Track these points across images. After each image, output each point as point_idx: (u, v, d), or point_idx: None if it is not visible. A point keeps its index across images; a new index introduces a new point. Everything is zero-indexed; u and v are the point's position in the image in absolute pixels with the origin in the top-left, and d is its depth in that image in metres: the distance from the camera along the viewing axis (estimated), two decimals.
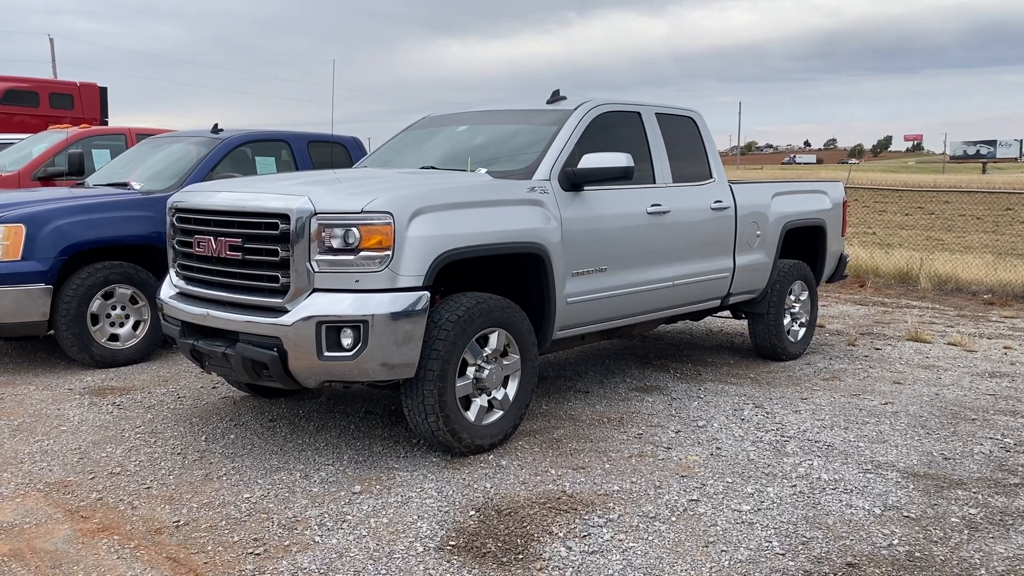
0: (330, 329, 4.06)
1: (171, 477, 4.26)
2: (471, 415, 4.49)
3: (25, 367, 6.53)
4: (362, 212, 4.08)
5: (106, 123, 17.37)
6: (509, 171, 4.99)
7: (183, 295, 4.75)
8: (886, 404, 5.71)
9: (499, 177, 4.89)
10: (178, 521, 3.74)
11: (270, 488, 4.11)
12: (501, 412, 4.63)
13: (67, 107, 17.13)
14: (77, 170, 8.32)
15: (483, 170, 5.02)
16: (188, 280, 4.72)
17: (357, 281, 4.09)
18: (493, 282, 4.88)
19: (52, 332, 6.35)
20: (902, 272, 11.95)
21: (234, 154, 7.63)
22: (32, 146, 9.94)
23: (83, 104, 17.49)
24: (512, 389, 4.69)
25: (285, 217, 4.15)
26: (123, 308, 6.53)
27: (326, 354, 4.07)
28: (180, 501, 3.96)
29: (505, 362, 4.65)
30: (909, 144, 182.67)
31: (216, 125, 8.04)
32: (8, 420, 5.18)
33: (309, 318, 4.05)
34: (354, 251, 4.08)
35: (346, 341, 4.07)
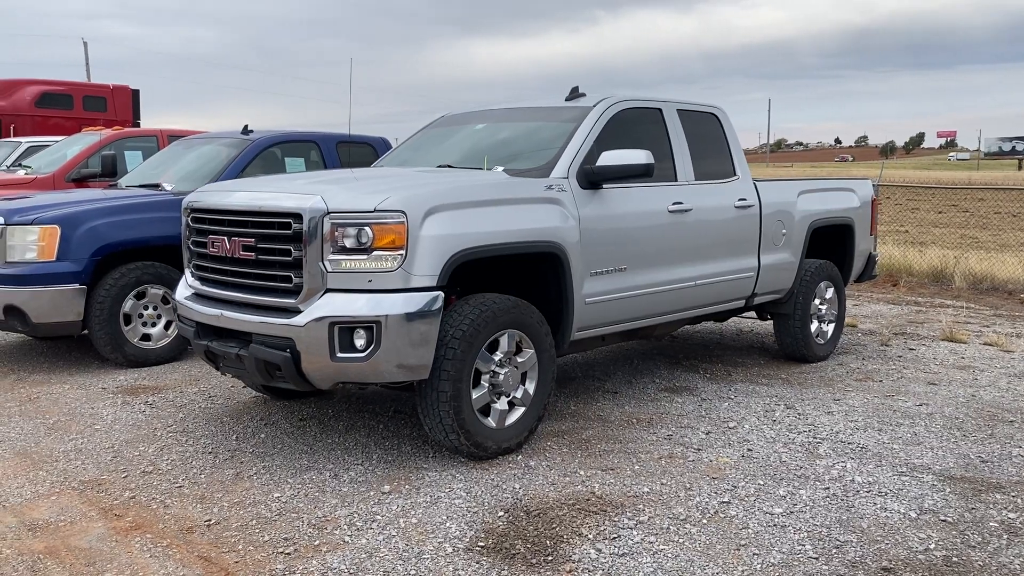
0: (343, 330, 4.02)
1: (202, 476, 4.30)
2: (488, 419, 4.43)
3: (60, 366, 6.62)
4: (375, 211, 4.04)
5: (138, 125, 17.60)
6: (526, 169, 4.91)
7: (198, 296, 4.72)
8: (921, 405, 5.62)
9: (516, 175, 4.81)
10: (209, 520, 3.77)
11: (300, 488, 4.13)
12: (515, 417, 4.54)
13: (100, 110, 17.37)
14: (110, 172, 8.44)
15: (500, 168, 4.95)
16: (203, 281, 4.69)
17: (370, 281, 4.05)
18: (511, 282, 4.81)
19: (86, 332, 6.44)
20: (936, 271, 11.77)
21: (264, 155, 7.68)
22: (66, 148, 10.09)
23: (116, 106, 17.73)
24: (529, 391, 4.60)
25: (298, 216, 4.11)
26: (155, 308, 6.60)
27: (339, 355, 4.03)
28: (211, 500, 3.99)
29: (519, 359, 4.55)
30: (942, 141, 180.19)
31: (246, 126, 8.11)
32: (44, 419, 5.26)
33: (322, 319, 4.01)
34: (367, 251, 4.04)
35: (359, 342, 4.03)
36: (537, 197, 4.68)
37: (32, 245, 6.21)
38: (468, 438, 4.29)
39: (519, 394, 4.57)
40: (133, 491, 4.11)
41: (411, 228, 4.06)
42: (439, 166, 5.33)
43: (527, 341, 4.56)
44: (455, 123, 6.13)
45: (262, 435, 4.91)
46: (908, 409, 5.53)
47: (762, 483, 4.20)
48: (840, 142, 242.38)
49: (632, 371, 6.51)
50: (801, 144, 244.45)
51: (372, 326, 4.00)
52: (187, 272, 4.88)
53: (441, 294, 4.12)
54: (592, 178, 4.93)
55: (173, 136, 9.77)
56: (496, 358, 4.44)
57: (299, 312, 4.09)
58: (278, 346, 4.15)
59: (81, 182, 9.01)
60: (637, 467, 4.41)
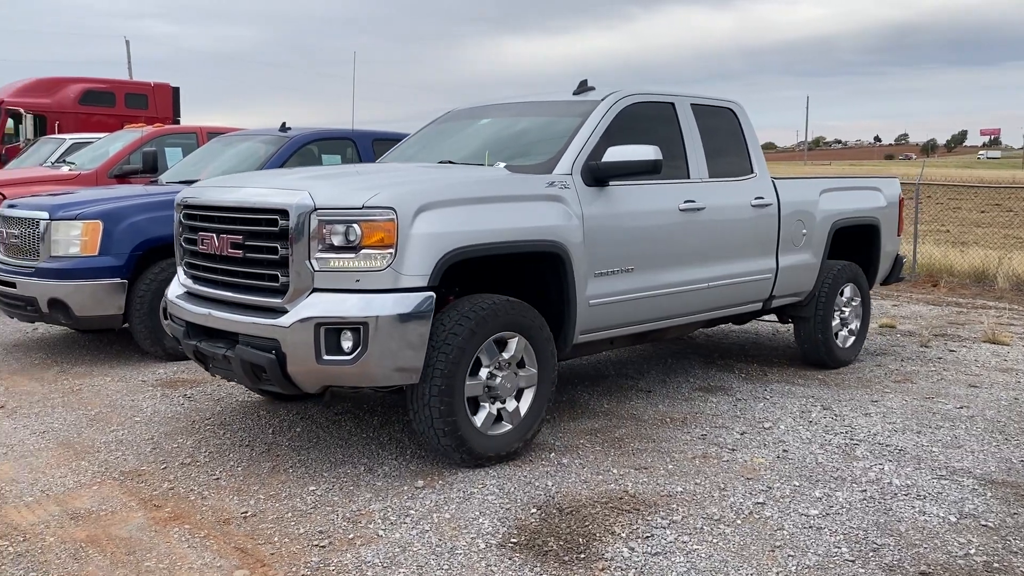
0: (329, 331, 3.88)
1: (239, 468, 4.36)
2: (475, 417, 4.25)
3: (101, 359, 6.75)
4: (363, 207, 3.89)
5: (178, 122, 17.86)
6: (528, 165, 4.76)
7: (190, 294, 4.60)
8: (961, 408, 5.52)
9: (517, 171, 4.65)
10: (246, 512, 3.82)
11: (335, 481, 4.17)
12: (511, 426, 4.36)
13: (142, 107, 17.66)
14: (151, 168, 8.56)
15: (501, 164, 4.81)
16: (194, 279, 4.56)
17: (358, 281, 3.90)
18: (512, 283, 4.65)
19: (127, 325, 6.55)
20: (978, 271, 11.56)
21: (301, 152, 7.76)
22: (109, 145, 10.26)
23: (157, 104, 18.01)
24: (520, 411, 4.40)
25: (284, 213, 3.96)
26: None
27: (325, 357, 3.89)
28: (248, 492, 4.05)
29: (521, 372, 4.39)
30: (985, 139, 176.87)
31: (284, 123, 8.20)
32: (86, 410, 5.36)
33: (307, 319, 3.87)
34: (355, 249, 3.89)
35: (346, 344, 3.88)
36: (538, 194, 4.51)
37: (75, 240, 6.34)
38: (460, 444, 4.15)
39: (510, 408, 4.37)
40: (172, 482, 4.18)
41: (401, 225, 3.90)
42: (441, 162, 5.18)
43: (530, 351, 4.38)
44: (462, 118, 5.96)
45: (298, 429, 4.97)
46: (948, 411, 5.44)
47: (798, 484, 4.16)
48: (880, 140, 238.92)
49: (666, 370, 6.48)
50: (840, 142, 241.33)
51: (359, 328, 3.84)
52: (179, 270, 4.76)
53: (432, 295, 3.97)
54: (597, 175, 4.74)
55: (212, 133, 9.90)
56: (495, 361, 4.26)
57: (285, 312, 3.96)
58: (263, 347, 4.02)
59: (123, 178, 9.16)
60: (671, 466, 4.39)
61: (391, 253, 3.90)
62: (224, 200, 4.35)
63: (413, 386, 4.11)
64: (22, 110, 15.54)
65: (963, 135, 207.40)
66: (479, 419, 4.27)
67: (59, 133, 14.24)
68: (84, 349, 7.11)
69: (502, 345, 4.32)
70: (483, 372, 4.25)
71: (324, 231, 3.91)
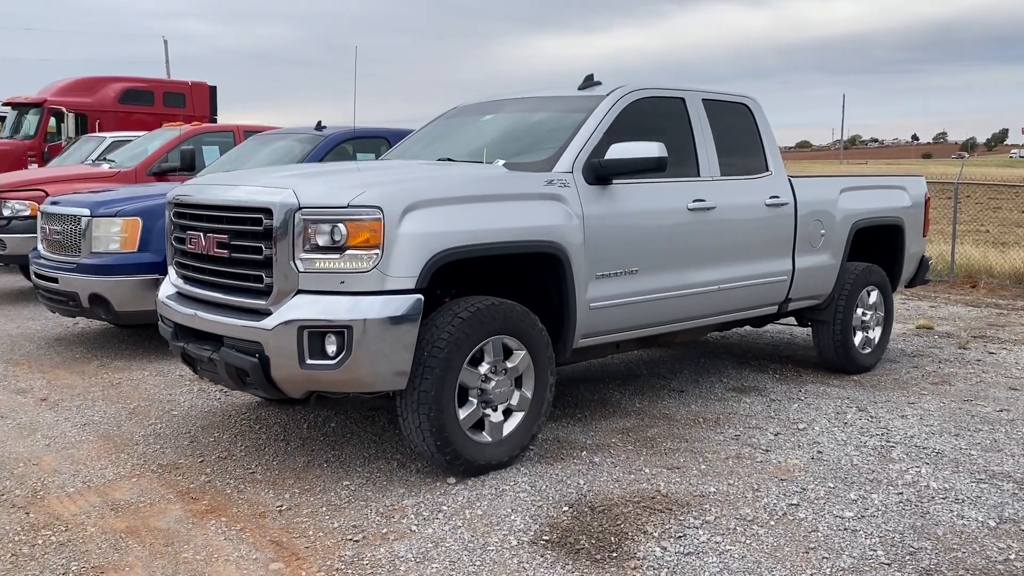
0: (313, 335, 3.76)
1: (275, 463, 4.41)
2: (483, 433, 4.17)
3: (140, 354, 6.87)
4: (348, 206, 3.77)
5: (215, 120, 18.10)
6: (528, 163, 4.62)
7: (180, 295, 4.52)
8: (1001, 411, 5.43)
9: (516, 169, 4.51)
10: (281, 506, 3.87)
11: (369, 476, 4.21)
12: (514, 425, 4.26)
13: (179, 106, 17.93)
14: (189, 166, 8.68)
15: (500, 162, 4.66)
16: (184, 279, 4.47)
17: (343, 282, 3.77)
18: (511, 284, 4.52)
19: None
20: (1019, 272, 11.34)
21: (336, 150, 7.83)
22: (147, 143, 10.43)
23: (194, 102, 18.28)
24: (527, 395, 4.29)
25: (268, 212, 3.85)
26: None
27: (308, 362, 3.77)
28: (283, 486, 4.10)
29: (510, 364, 4.23)
30: None
31: (320, 122, 8.28)
32: (125, 404, 5.46)
33: (290, 322, 3.75)
34: (340, 249, 3.77)
35: (330, 348, 3.76)
36: (536, 193, 4.36)
37: (115, 236, 6.46)
38: (450, 452, 4.02)
39: (515, 400, 4.27)
40: (209, 476, 4.24)
41: (388, 225, 3.77)
42: (439, 159, 5.06)
43: (516, 342, 4.21)
44: (466, 114, 5.81)
45: (332, 424, 5.02)
46: (987, 414, 5.35)
47: (832, 486, 4.12)
48: (917, 138, 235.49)
49: (699, 370, 6.44)
50: (876, 140, 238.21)
51: (343, 331, 3.72)
52: (170, 270, 4.69)
53: (420, 297, 3.83)
54: (599, 172, 4.58)
55: (249, 131, 10.01)
56: (482, 371, 4.12)
57: (270, 314, 3.85)
58: (247, 350, 3.92)
59: (161, 176, 9.29)
60: (703, 466, 4.37)
61: (377, 254, 3.78)
62: (211, 199, 4.27)
63: (401, 392, 3.99)
64: (64, 109, 15.86)
65: (1004, 134, 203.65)
66: (485, 435, 4.18)
67: (100, 131, 14.50)
68: (123, 344, 7.23)
69: (484, 356, 4.15)
70: (472, 395, 4.13)
71: (309, 231, 3.80)
